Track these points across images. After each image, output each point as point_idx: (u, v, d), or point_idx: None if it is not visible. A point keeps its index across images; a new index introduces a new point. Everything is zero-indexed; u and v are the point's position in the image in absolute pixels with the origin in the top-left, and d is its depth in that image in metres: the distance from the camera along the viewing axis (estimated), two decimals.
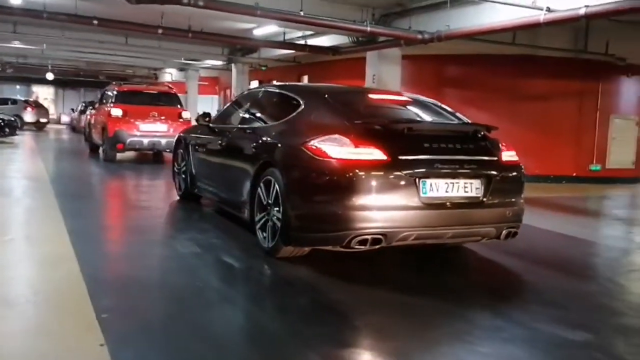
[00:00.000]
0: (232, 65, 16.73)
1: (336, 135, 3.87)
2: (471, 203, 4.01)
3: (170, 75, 23.92)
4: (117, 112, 10.59)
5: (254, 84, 18.00)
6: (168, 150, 10.30)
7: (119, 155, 10.94)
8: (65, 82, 32.58)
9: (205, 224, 5.65)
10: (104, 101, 11.71)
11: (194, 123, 7.24)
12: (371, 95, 5.03)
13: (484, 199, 4.03)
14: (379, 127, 4.01)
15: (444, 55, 11.69)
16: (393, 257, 4.12)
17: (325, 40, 11.26)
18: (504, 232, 4.15)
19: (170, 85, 12.72)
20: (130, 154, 11.68)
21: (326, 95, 4.68)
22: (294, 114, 4.50)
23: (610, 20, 9.58)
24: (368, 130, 3.96)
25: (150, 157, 11.89)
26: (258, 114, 5.27)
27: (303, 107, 4.49)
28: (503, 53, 11.29)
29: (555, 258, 5.08)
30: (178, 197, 6.78)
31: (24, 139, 17.75)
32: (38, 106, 26.62)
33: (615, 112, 12.49)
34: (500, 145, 4.33)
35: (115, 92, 11.26)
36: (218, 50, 15.99)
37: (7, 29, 12.42)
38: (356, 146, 3.78)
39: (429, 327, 3.18)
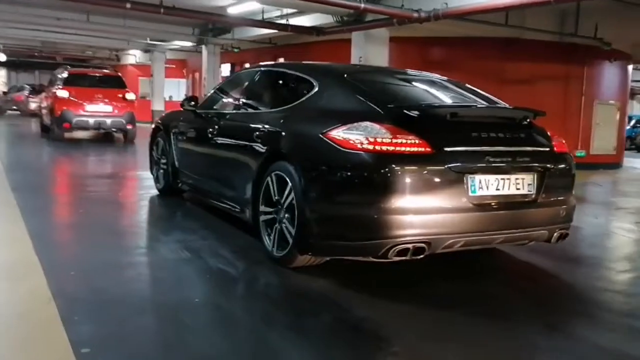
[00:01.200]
0: (203, 46, 15.79)
1: (367, 123, 3.19)
2: (523, 202, 3.42)
3: (134, 57, 22.64)
4: (63, 93, 11.49)
5: (226, 67, 17.12)
6: (113, 130, 12.13)
7: (76, 136, 11.77)
8: (18, 63, 30.58)
9: (192, 222, 4.96)
10: (53, 84, 12.44)
11: (163, 108, 6.93)
12: (398, 75, 4.31)
13: (537, 197, 3.44)
14: (418, 112, 3.31)
15: (429, 37, 11.24)
16: (418, 262, 3.30)
17: (306, 20, 10.56)
18: (556, 234, 3.56)
19: (116, 69, 14.28)
20: (83, 136, 12.43)
21: (345, 75, 3.97)
22: (307, 97, 3.82)
23: (602, 1, 9.34)
24: (405, 116, 3.27)
25: (100, 137, 12.85)
26: (258, 98, 4.59)
27: (317, 88, 3.81)
28: (489, 36, 10.94)
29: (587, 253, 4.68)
30: (158, 192, 5.97)
31: None
32: None
33: (599, 98, 12.37)
34: (548, 133, 3.70)
35: (62, 75, 12.22)
36: (188, 30, 15.03)
37: None
38: (393, 135, 3.09)
39: (477, 349, 2.61)
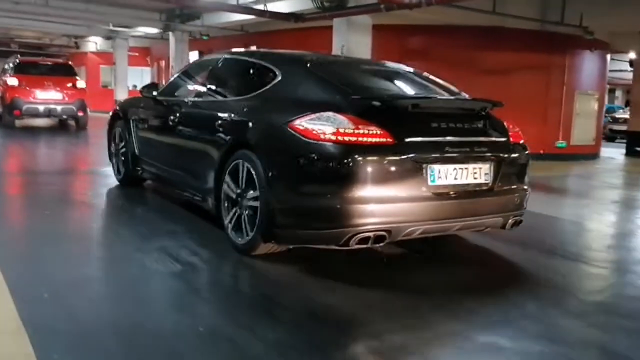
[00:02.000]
0: (170, 33, 14.97)
1: (330, 113, 3.17)
2: (480, 191, 3.48)
3: (94, 44, 21.47)
4: (13, 81, 11.80)
5: (194, 54, 16.34)
6: (64, 117, 12.52)
7: (30, 124, 12.34)
8: None
9: (159, 218, 4.50)
10: (4, 73, 12.74)
11: (125, 98, 6.68)
12: (362, 66, 4.41)
13: (493, 186, 3.52)
14: (380, 103, 3.29)
15: (408, 25, 10.86)
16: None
17: (284, 6, 10.00)
18: (511, 221, 3.65)
19: (67, 57, 14.97)
20: (38, 123, 12.76)
21: (308, 64, 3.90)
22: (269, 86, 3.78)
23: None
24: (367, 106, 3.26)
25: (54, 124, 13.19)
26: (221, 85, 4.50)
27: (280, 77, 3.76)
28: (470, 24, 10.67)
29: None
30: (118, 182, 5.70)
31: None
32: None
33: (580, 88, 12.28)
34: (505, 123, 3.80)
35: (13, 64, 12.61)
36: (154, 16, 14.21)
37: None
38: (355, 126, 3.10)
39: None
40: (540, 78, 11.70)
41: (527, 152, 3.79)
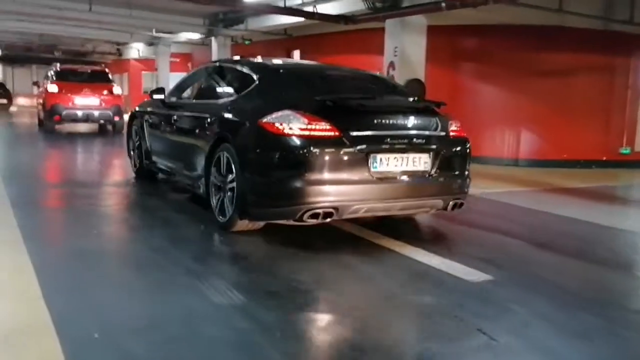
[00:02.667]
0: (212, 38, 14.78)
1: (289, 111, 3.88)
2: (420, 176, 4.15)
3: (137, 51, 21.60)
4: (53, 88, 12.51)
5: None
6: (101, 122, 13.18)
7: (71, 129, 13.28)
8: (14, 58, 29.47)
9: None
10: (46, 80, 13.51)
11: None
12: (326, 72, 5.13)
13: (432, 172, 4.19)
14: (331, 103, 4.00)
15: (459, 26, 10.28)
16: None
17: (331, 8, 9.58)
18: (451, 203, 4.30)
19: (104, 65, 16.13)
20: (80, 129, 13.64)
21: (281, 71, 4.80)
22: (248, 89, 4.51)
23: None
24: (320, 106, 3.96)
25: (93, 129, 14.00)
26: (212, 90, 5.22)
27: (257, 82, 4.50)
28: (525, 23, 10.02)
29: None
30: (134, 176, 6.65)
31: None
32: None
33: None
34: (448, 120, 4.42)
35: (53, 71, 13.34)
36: (198, 21, 14.03)
37: None
38: (308, 122, 3.82)
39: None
40: (603, 80, 10.91)
41: (467, 144, 4.43)
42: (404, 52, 8.58)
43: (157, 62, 19.38)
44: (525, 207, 6.32)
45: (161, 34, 16.81)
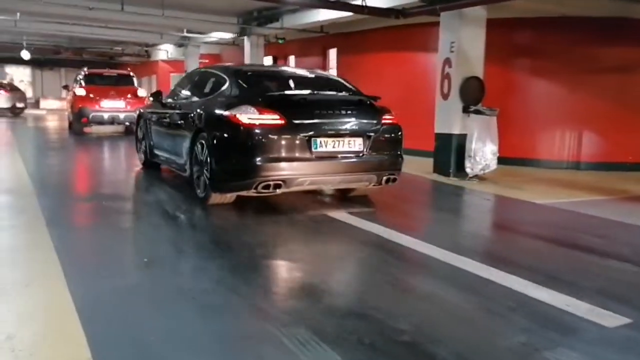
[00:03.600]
0: (245, 38, 14.20)
1: (245, 106, 4.85)
2: (354, 156, 5.07)
3: (166, 52, 21.18)
4: (81, 91, 13.05)
5: (268, 60, 15.57)
6: (127, 124, 13.14)
7: (98, 131, 13.86)
8: (43, 62, 29.43)
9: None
10: (75, 83, 14.18)
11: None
12: (283, 73, 6.45)
13: (365, 153, 5.11)
14: (280, 98, 5.12)
15: (514, 18, 9.49)
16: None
17: (379, 1, 8.85)
18: (385, 178, 5.29)
19: (129, 68, 16.21)
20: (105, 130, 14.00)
21: (247, 73, 5.78)
22: (221, 89, 5.55)
23: None
24: (271, 100, 4.98)
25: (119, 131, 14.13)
26: (196, 90, 6.23)
27: (227, 83, 5.51)
28: (587, 15, 9.19)
29: None
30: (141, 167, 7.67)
31: None
32: (13, 89, 23.76)
33: None
34: (382, 111, 5.39)
35: (81, 76, 13.94)
36: (231, 20, 13.47)
37: None
38: (260, 113, 4.78)
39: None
40: None
41: (399, 131, 5.46)
42: (462, 47, 7.85)
43: (186, 63, 18.92)
44: (617, 220, 5.55)
45: (192, 34, 16.32)
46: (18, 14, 12.68)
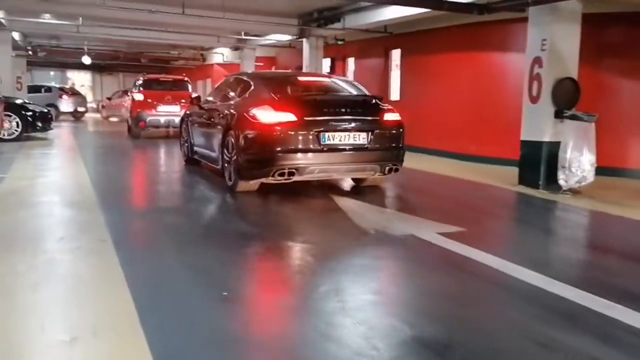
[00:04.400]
0: (304, 39, 13.72)
1: (265, 105, 5.86)
2: (359, 148, 5.92)
3: (221, 56, 21.04)
4: (139, 96, 13.60)
5: (325, 62, 15.04)
6: None
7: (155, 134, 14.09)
8: (102, 66, 30.12)
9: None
10: (134, 89, 14.67)
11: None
12: (299, 78, 7.31)
13: (368, 146, 5.95)
14: (294, 99, 6.16)
15: (613, 13, 8.53)
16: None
17: None
18: (387, 168, 6.11)
19: (184, 74, 16.77)
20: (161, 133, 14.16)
21: (268, 78, 7.01)
22: (247, 92, 6.56)
23: None
24: (286, 101, 5.98)
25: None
26: (228, 94, 7.11)
27: (253, 87, 6.55)
28: None
29: None
30: (184, 163, 8.70)
31: (60, 132, 15.35)
32: (75, 94, 24.34)
33: None
34: (386, 109, 6.26)
35: (139, 81, 14.53)
36: (291, 21, 13.03)
37: None
38: (276, 112, 5.73)
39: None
40: None
41: (400, 127, 6.24)
42: (554, 45, 7.03)
43: (242, 66, 18.69)
44: None
45: (249, 37, 16.04)
46: (80, 19, 12.70)
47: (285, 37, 15.07)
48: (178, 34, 15.54)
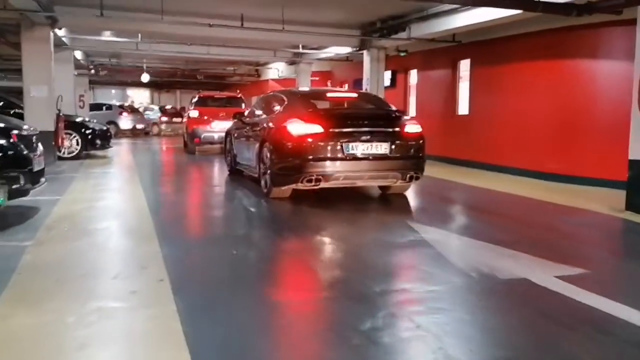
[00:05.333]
0: (365, 51, 13.09)
1: (295, 119, 6.38)
2: (381, 157, 6.34)
3: (276, 71, 20.75)
4: (194, 113, 13.94)
5: (386, 74, 14.32)
6: None
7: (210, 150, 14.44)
8: (160, 84, 30.64)
9: None
10: (190, 105, 15.23)
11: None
12: (326, 93, 8.02)
13: (390, 155, 6.36)
14: (321, 112, 6.67)
15: None
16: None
17: None
18: (408, 176, 6.47)
19: (238, 91, 17.77)
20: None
21: (300, 95, 7.72)
22: (282, 107, 7.14)
23: None
24: (314, 114, 6.47)
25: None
26: (265, 109, 7.91)
27: (286, 103, 7.15)
28: None
29: None
30: (228, 174, 9.44)
31: (120, 150, 15.34)
32: (134, 111, 24.72)
33: None
34: (407, 121, 6.74)
35: (194, 98, 15.12)
36: (352, 32, 12.45)
37: (93, 13, 9.49)
38: (305, 124, 6.25)
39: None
40: None
41: (420, 138, 6.62)
42: None
43: (297, 81, 18.29)
44: None
45: (306, 50, 15.59)
46: (140, 35, 12.60)
47: (344, 50, 14.51)
48: (235, 49, 15.27)
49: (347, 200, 6.90)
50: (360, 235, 5.22)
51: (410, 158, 6.46)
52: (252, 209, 6.56)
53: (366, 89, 13.20)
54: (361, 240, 4.98)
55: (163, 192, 8.26)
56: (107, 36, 13.79)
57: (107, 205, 6.71)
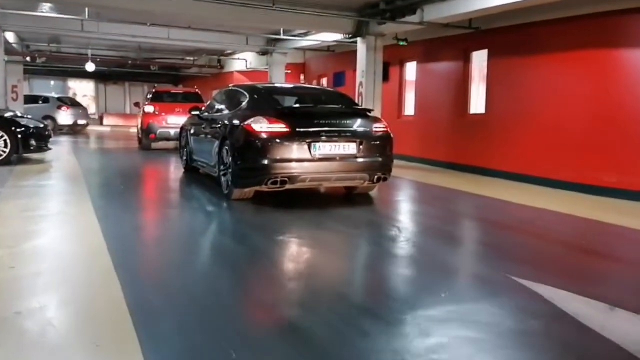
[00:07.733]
0: (359, 39, 11.16)
1: (258, 117, 6.11)
2: (348, 157, 6.18)
3: (244, 61, 18.44)
4: (149, 108, 13.47)
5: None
6: None
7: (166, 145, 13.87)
8: (107, 75, 27.54)
9: None
10: (145, 101, 14.88)
11: None
12: (292, 90, 8.29)
13: (358, 155, 6.20)
14: (286, 110, 6.49)
15: None
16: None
17: None
18: (376, 177, 6.36)
19: (196, 87, 16.30)
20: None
21: (262, 90, 7.32)
22: (242, 104, 6.90)
23: None
24: (278, 112, 6.25)
25: None
26: (224, 105, 7.63)
27: (247, 99, 6.90)
28: None
29: None
30: (183, 170, 9.26)
31: (60, 151, 12.72)
32: (75, 105, 21.73)
33: None
34: (375, 120, 6.63)
35: (149, 94, 14.89)
36: (348, 17, 10.47)
37: None
38: (270, 123, 6.02)
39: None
40: None
41: (388, 138, 6.53)
42: None
43: (270, 73, 16.19)
44: None
45: (287, 37, 13.55)
46: (87, 10, 10.14)
47: (333, 36, 12.51)
48: (202, 32, 13.05)
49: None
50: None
51: (378, 158, 6.35)
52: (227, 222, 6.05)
53: (361, 83, 11.33)
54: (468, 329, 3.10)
55: (126, 218, 5.94)
56: (45, 11, 11.15)
57: (39, 251, 4.38)
